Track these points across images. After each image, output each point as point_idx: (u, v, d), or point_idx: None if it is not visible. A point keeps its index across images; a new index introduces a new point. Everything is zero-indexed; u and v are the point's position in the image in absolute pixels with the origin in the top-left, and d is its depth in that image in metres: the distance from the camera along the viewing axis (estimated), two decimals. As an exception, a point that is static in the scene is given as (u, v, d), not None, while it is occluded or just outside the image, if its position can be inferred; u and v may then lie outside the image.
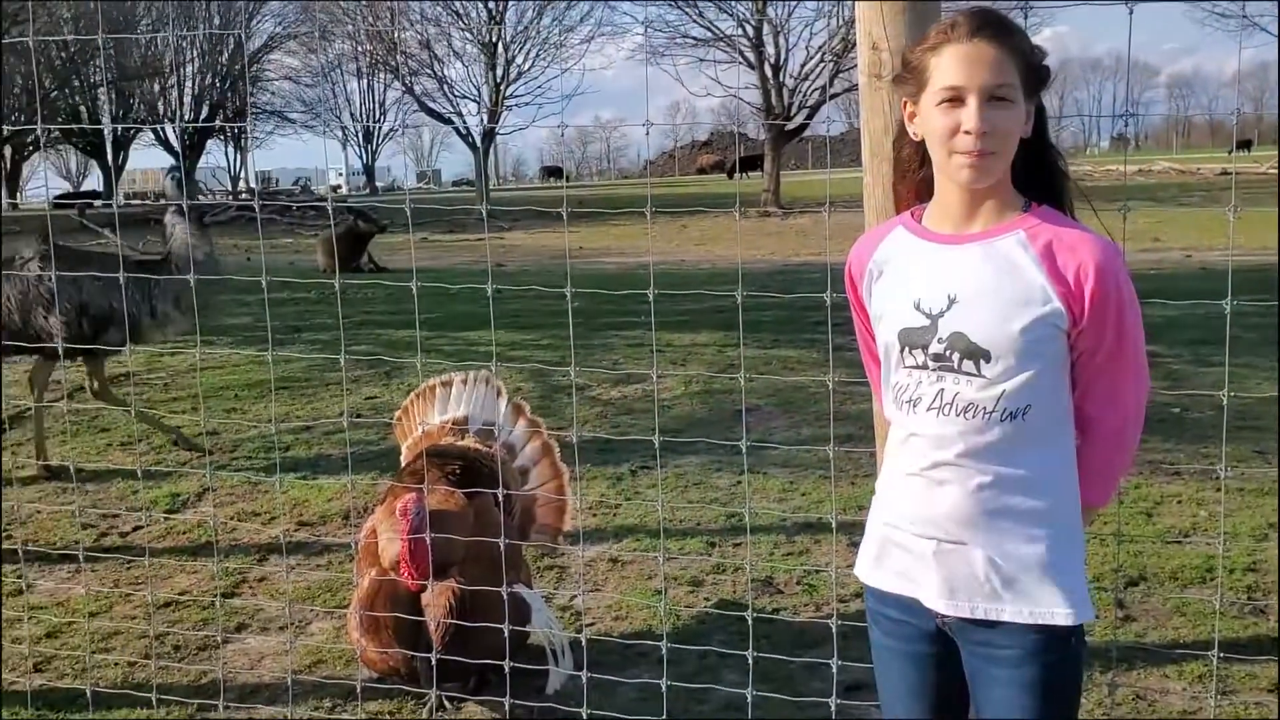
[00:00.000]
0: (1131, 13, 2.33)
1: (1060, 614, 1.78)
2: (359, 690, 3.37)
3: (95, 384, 6.41)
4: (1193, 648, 3.63)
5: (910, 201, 1.95)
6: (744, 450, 2.81)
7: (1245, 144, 65.35)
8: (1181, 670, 3.54)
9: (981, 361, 1.77)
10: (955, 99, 1.74)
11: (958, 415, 1.78)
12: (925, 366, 1.82)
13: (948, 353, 1.79)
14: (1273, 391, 6.88)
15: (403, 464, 3.92)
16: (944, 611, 1.84)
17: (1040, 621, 1.78)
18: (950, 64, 1.75)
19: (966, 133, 1.73)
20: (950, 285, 1.80)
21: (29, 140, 44.48)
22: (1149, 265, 14.79)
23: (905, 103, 1.86)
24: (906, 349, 1.84)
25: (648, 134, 2.92)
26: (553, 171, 78.26)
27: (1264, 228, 19.06)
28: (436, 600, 3.22)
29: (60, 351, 5.41)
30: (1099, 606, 3.79)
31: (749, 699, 2.78)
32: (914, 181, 1.93)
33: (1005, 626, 1.80)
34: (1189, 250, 16.79)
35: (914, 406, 1.83)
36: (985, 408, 1.77)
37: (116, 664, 3.81)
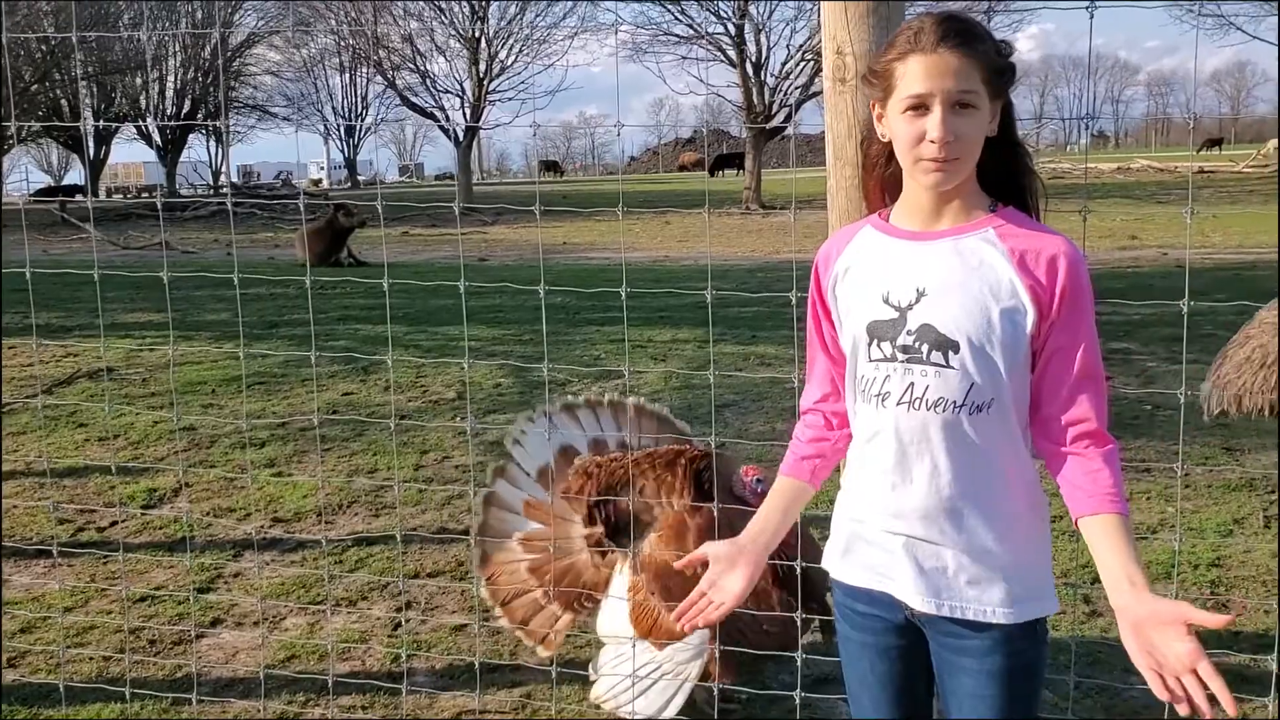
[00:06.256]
0: (1092, 16, 2.37)
1: (1024, 610, 1.82)
2: (331, 685, 3.39)
3: None
4: (1156, 642, 3.66)
5: (878, 196, 1.97)
6: (713, 446, 2.85)
7: (1216, 142, 65.92)
8: (1143, 664, 3.58)
9: (950, 352, 1.79)
10: (920, 106, 1.77)
11: (928, 409, 1.81)
12: (893, 359, 1.83)
13: (916, 344, 1.81)
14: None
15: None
16: (916, 607, 1.86)
17: (1006, 622, 1.82)
18: (915, 73, 1.77)
19: (931, 141, 1.76)
20: (919, 279, 1.83)
21: (8, 134, 44.13)
22: (1125, 263, 14.88)
23: (874, 104, 1.88)
24: (875, 341, 1.86)
25: (619, 134, 2.96)
26: (550, 165, 78.22)
27: (1237, 226, 19.26)
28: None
29: None
30: (1065, 601, 3.84)
31: (715, 691, 2.82)
32: (880, 178, 1.95)
33: (973, 620, 1.83)
34: (1165, 248, 16.91)
35: (883, 401, 1.85)
36: (954, 400, 1.79)
37: (91, 659, 3.82)
